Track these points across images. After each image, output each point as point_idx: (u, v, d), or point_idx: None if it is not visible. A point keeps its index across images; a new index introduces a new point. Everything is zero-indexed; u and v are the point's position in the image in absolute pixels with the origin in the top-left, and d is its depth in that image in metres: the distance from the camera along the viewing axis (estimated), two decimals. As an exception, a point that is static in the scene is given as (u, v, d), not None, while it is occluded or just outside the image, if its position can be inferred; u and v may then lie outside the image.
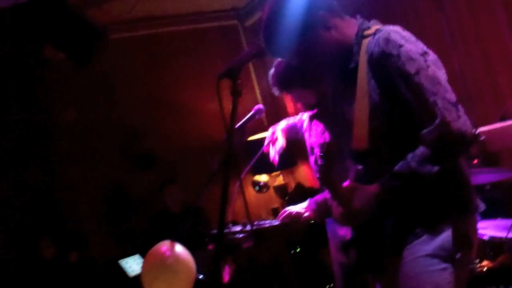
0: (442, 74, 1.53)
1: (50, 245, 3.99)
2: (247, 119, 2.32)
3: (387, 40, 1.53)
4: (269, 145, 2.64)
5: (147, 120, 4.62)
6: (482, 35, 3.30)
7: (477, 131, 2.38)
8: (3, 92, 4.03)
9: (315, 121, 2.58)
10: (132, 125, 4.56)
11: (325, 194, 2.32)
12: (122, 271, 3.81)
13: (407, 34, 1.58)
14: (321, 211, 2.32)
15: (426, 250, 1.55)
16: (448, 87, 1.50)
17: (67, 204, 4.31)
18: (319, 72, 1.79)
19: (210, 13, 5.03)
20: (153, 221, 4.28)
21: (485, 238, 2.93)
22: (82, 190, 4.37)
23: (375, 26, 1.64)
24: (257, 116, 2.40)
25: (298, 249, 3.95)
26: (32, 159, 4.18)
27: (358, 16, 1.71)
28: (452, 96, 1.48)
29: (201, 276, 2.82)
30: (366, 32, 1.62)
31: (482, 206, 1.67)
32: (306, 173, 4.97)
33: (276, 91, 2.43)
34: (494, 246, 3.05)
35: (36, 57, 4.04)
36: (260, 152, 2.61)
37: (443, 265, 1.55)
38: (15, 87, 4.08)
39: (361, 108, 1.58)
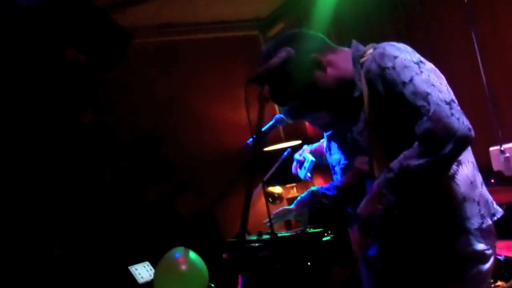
0: (438, 79, 1.53)
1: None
2: (268, 127, 2.30)
3: (382, 55, 1.56)
4: (297, 167, 2.65)
5: (165, 127, 4.63)
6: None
7: (503, 147, 2.35)
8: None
9: (332, 141, 2.59)
10: (151, 131, 4.57)
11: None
12: (131, 277, 3.80)
13: (403, 45, 1.61)
14: (306, 201, 2.27)
15: None
16: (444, 89, 1.50)
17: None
18: (325, 108, 1.78)
19: (231, 23, 5.04)
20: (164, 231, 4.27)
21: (501, 258, 2.89)
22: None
23: (370, 49, 1.66)
24: (278, 125, 2.37)
25: (309, 263, 3.90)
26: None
27: (353, 42, 1.74)
28: (446, 96, 1.48)
29: (213, 285, 2.79)
30: (362, 58, 1.65)
31: (499, 211, 1.64)
32: (320, 187, 4.93)
33: (290, 120, 2.43)
34: (509, 267, 3.00)
35: (58, 58, 4.06)
36: (277, 163, 2.59)
37: None
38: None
39: (373, 136, 1.59)
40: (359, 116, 1.64)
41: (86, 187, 4.25)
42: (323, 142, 2.82)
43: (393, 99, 1.54)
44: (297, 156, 2.74)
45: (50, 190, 4.01)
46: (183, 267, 2.45)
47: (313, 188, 2.30)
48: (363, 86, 1.61)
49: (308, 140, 3.23)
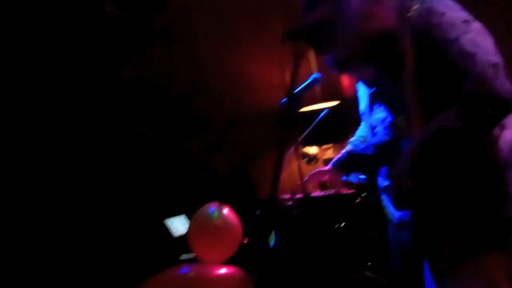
0: (485, 40, 1.47)
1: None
2: (304, 86, 2.26)
3: (430, 10, 1.51)
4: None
5: (202, 81, 4.62)
6: None
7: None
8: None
9: (376, 99, 2.53)
10: (188, 86, 4.58)
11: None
12: (166, 230, 3.87)
13: (451, 2, 1.55)
14: (342, 163, 2.24)
15: None
16: (491, 50, 1.44)
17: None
18: (369, 61, 1.73)
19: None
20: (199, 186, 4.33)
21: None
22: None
23: (417, 3, 1.59)
24: (314, 85, 2.33)
25: (343, 224, 3.91)
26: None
27: None
28: (493, 58, 1.42)
29: (246, 241, 2.83)
30: (408, 12, 1.58)
31: None
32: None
33: (334, 72, 2.37)
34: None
35: (97, 13, 4.08)
36: (313, 124, 2.57)
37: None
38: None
39: (415, 93, 1.54)
40: (402, 71, 1.59)
41: (123, 141, 4.32)
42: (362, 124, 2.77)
43: (437, 57, 1.49)
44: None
45: (88, 144, 4.11)
46: (217, 221, 2.48)
47: (350, 148, 2.27)
48: (407, 42, 1.56)
49: (345, 100, 3.17)
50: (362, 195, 2.61)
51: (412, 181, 1.50)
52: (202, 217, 2.60)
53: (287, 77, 1.49)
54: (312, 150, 4.71)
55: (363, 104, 2.70)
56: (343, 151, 2.30)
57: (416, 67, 1.53)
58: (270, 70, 4.62)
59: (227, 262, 2.36)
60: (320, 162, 4.86)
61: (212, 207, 2.61)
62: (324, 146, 4.82)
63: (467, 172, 1.49)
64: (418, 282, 1.79)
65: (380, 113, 2.52)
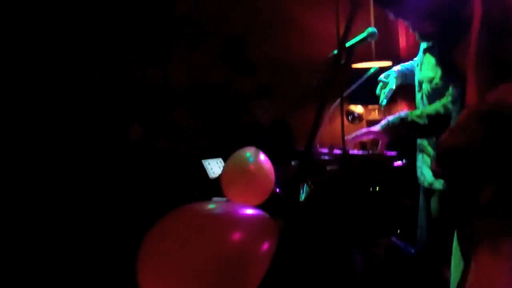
0: None
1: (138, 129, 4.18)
2: (359, 40, 2.19)
3: None
4: (381, 88, 2.56)
5: (254, 25, 4.55)
6: None
7: None
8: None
9: (428, 55, 2.42)
10: (238, 29, 4.52)
11: None
12: (203, 171, 3.92)
13: None
14: (392, 127, 2.17)
15: None
16: None
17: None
18: (431, 18, 1.62)
19: None
20: (239, 130, 4.33)
21: None
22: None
23: None
24: (369, 39, 2.24)
25: (378, 188, 3.86)
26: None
27: None
28: None
29: (278, 190, 2.83)
30: None
31: None
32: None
33: (392, 16, 2.27)
34: None
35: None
36: (360, 80, 2.49)
37: None
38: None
39: (476, 62, 1.44)
40: (466, 36, 1.50)
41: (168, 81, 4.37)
42: (414, 61, 2.67)
43: (506, 30, 1.39)
44: (381, 77, 2.62)
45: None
46: (252, 166, 2.49)
47: (402, 114, 2.20)
48: (477, 6, 1.46)
49: (399, 62, 3.05)
50: (403, 160, 2.55)
51: (459, 152, 1.44)
52: (237, 160, 2.61)
53: (342, 30, 1.41)
54: (358, 109, 4.61)
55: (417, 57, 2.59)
56: (396, 114, 2.23)
57: (482, 35, 1.44)
58: (325, 20, 4.49)
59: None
60: (364, 122, 4.77)
61: (247, 152, 2.61)
62: (370, 107, 4.72)
63: None
64: (443, 253, 1.76)
65: (429, 72, 2.42)
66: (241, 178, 2.52)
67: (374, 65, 4.26)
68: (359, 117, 4.64)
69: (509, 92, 1.35)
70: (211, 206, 1.44)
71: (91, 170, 3.99)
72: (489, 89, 1.41)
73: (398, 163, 2.56)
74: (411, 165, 2.76)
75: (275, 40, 4.63)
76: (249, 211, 1.41)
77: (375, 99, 2.80)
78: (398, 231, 3.59)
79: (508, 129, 1.40)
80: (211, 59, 4.52)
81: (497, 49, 1.41)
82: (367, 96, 2.63)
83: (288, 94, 4.15)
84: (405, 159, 2.59)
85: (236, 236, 1.36)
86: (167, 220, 1.42)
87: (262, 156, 2.58)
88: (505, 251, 1.43)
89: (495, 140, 1.40)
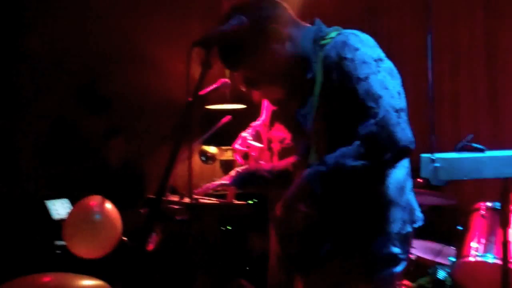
0: (393, 82, 1.50)
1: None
2: (211, 90, 2.23)
3: (344, 44, 1.52)
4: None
5: (111, 64, 4.45)
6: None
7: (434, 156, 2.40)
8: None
9: (277, 117, 2.56)
10: (95, 66, 4.39)
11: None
12: (46, 212, 3.69)
13: (366, 37, 1.57)
14: (241, 177, 2.25)
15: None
16: (396, 95, 1.47)
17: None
18: (276, 82, 1.72)
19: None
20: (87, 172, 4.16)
21: (412, 257, 3.00)
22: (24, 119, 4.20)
23: (333, 32, 1.61)
24: (222, 90, 2.31)
25: (229, 227, 3.93)
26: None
27: (316, 21, 1.67)
28: (397, 103, 1.45)
29: (125, 239, 2.74)
30: (323, 40, 1.59)
31: (420, 220, 1.66)
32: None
33: (243, 88, 2.36)
34: (418, 266, 3.13)
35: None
36: (217, 125, 2.54)
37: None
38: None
39: (318, 122, 1.55)
40: (308, 98, 1.59)
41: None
42: (261, 119, 2.79)
43: (345, 91, 1.50)
44: (237, 146, 2.67)
45: None
46: (96, 216, 2.38)
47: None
48: (318, 70, 1.56)
49: (253, 105, 3.16)
50: (251, 204, 2.63)
51: (302, 207, 1.52)
52: (81, 210, 2.49)
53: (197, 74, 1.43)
54: (211, 149, 4.68)
55: (264, 115, 2.71)
56: (243, 168, 2.28)
57: (324, 95, 1.54)
58: (181, 64, 4.54)
59: (103, 259, 2.27)
60: (217, 162, 4.84)
61: (93, 202, 2.50)
62: (224, 147, 4.81)
63: (352, 206, 1.53)
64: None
65: (279, 132, 2.56)
66: (84, 228, 2.40)
67: (228, 107, 4.39)
68: (213, 158, 4.71)
69: (345, 155, 1.45)
70: (46, 279, 1.34)
71: None
72: (332, 145, 1.51)
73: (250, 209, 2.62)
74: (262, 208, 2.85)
75: (130, 78, 4.56)
76: (88, 282, 1.33)
77: (228, 141, 2.85)
78: (247, 268, 3.67)
79: (342, 187, 1.51)
80: (61, 96, 4.31)
81: (337, 106, 1.51)
82: (220, 137, 2.68)
83: (142, 136, 4.08)
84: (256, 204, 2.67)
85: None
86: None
87: (109, 205, 2.48)
88: None
89: (331, 197, 1.51)
